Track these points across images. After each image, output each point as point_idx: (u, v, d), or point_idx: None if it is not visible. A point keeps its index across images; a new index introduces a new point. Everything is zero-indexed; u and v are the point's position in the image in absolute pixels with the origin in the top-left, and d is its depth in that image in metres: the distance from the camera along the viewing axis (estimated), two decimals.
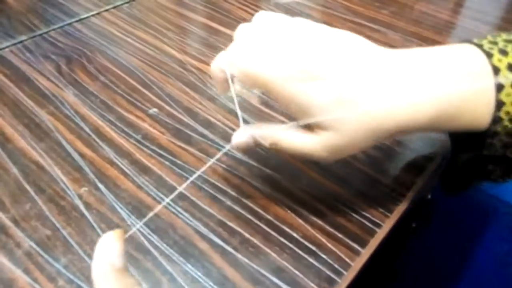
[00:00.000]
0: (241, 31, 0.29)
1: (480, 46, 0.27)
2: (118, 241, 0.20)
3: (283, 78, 0.26)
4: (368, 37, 0.51)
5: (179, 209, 0.31)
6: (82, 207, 0.31)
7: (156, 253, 0.28)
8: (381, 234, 0.29)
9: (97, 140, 0.36)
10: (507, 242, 0.55)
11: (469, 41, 0.28)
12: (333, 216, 0.31)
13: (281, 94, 0.26)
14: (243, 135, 0.28)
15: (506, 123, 0.26)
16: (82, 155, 0.35)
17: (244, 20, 0.53)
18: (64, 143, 0.36)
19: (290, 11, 0.56)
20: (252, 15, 0.55)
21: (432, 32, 0.52)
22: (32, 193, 0.32)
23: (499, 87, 0.25)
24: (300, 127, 0.27)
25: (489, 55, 0.26)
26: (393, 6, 0.58)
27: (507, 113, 0.26)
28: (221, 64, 0.29)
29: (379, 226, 0.30)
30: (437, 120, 0.26)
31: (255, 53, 0.27)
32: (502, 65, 0.25)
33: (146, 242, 0.29)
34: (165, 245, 0.29)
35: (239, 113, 0.28)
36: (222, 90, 0.30)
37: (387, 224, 0.30)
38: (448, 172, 0.34)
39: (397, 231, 0.31)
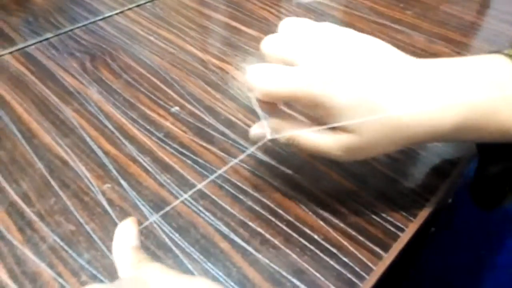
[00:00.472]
0: (269, 44, 0.29)
1: (510, 56, 0.26)
2: (134, 225, 0.24)
3: (308, 83, 0.26)
4: (392, 38, 0.51)
5: (200, 207, 0.31)
6: (105, 203, 0.31)
7: (177, 251, 0.28)
8: (404, 238, 0.29)
9: (120, 137, 0.36)
10: None
11: (499, 51, 0.27)
12: (355, 218, 0.30)
13: (307, 99, 0.26)
14: (260, 128, 0.28)
15: None
16: (105, 152, 0.35)
17: (266, 19, 0.53)
18: (88, 139, 0.36)
19: (312, 11, 0.55)
20: (274, 15, 0.55)
21: (457, 34, 0.51)
22: (57, 188, 0.32)
23: None
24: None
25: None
26: (417, 7, 0.57)
27: None
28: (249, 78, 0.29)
29: (402, 230, 0.30)
30: (463, 129, 0.26)
31: (285, 69, 0.27)
32: None
33: (167, 240, 0.29)
34: (186, 243, 0.29)
35: (259, 111, 0.28)
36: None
37: (411, 229, 0.30)
38: (477, 185, 0.33)
39: (416, 235, 0.31)
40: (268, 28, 0.51)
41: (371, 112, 0.25)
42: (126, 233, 0.24)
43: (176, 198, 0.32)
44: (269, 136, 0.27)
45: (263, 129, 0.28)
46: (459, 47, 0.49)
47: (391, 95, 0.25)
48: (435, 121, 0.25)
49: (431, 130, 0.25)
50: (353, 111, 0.25)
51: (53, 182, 0.33)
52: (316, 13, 0.55)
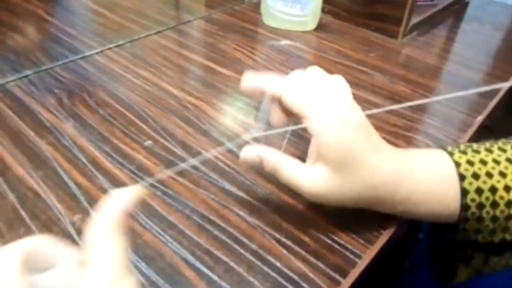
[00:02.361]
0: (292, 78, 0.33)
1: (450, 153, 0.32)
2: (137, 196, 0.23)
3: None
4: (356, 79, 0.54)
5: (167, 237, 0.32)
6: (74, 233, 0.32)
7: (143, 279, 0.29)
8: (362, 264, 0.31)
9: (93, 170, 0.37)
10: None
11: (443, 148, 0.33)
12: (316, 247, 0.32)
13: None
14: (251, 152, 0.32)
15: (474, 209, 0.30)
16: (77, 184, 0.36)
17: (239, 60, 0.56)
18: (61, 172, 0.37)
19: (283, 53, 0.59)
20: (247, 55, 0.58)
21: (417, 75, 0.55)
22: (27, 219, 0.33)
23: (462, 177, 0.30)
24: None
25: (451, 154, 0.32)
26: (381, 50, 0.61)
27: (473, 200, 0.30)
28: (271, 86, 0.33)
29: (359, 257, 0.31)
30: (409, 200, 0.31)
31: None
32: (462, 161, 0.31)
33: (133, 269, 0.30)
34: (152, 272, 0.30)
35: (261, 115, 0.33)
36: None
37: (368, 255, 0.31)
38: (434, 259, 0.38)
39: (390, 270, 0.32)
40: (241, 67, 0.54)
41: (355, 160, 0.29)
42: (127, 196, 0.23)
43: (145, 228, 0.33)
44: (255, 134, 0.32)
45: (253, 154, 0.32)
46: (418, 87, 0.53)
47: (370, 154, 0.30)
48: (389, 191, 0.30)
49: (384, 197, 0.31)
50: (339, 153, 0.29)
51: (23, 213, 0.34)
52: (287, 55, 0.58)
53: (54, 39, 0.58)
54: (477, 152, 0.32)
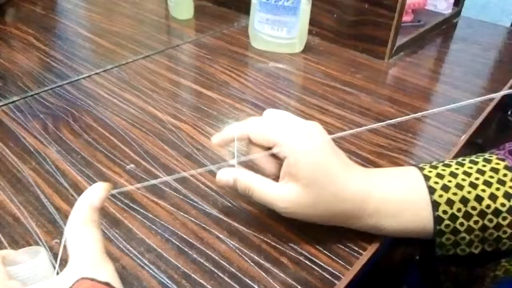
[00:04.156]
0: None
1: (421, 168, 0.33)
2: (105, 189, 0.27)
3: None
4: (342, 99, 0.54)
5: (145, 261, 0.32)
6: (52, 258, 0.32)
7: None
8: (340, 286, 0.30)
9: (74, 194, 0.37)
10: None
11: (416, 165, 0.34)
12: (295, 268, 0.31)
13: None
14: (227, 174, 0.34)
15: (448, 221, 0.30)
16: (57, 208, 0.36)
17: (226, 83, 0.56)
18: (42, 197, 0.37)
19: (270, 75, 0.59)
20: (233, 78, 0.59)
21: (403, 95, 0.56)
22: (6, 244, 0.33)
23: (431, 190, 0.31)
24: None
25: (421, 169, 0.32)
26: (366, 71, 0.61)
27: (445, 212, 0.30)
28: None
29: (338, 278, 0.31)
30: (380, 213, 0.31)
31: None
32: (432, 175, 0.32)
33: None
34: None
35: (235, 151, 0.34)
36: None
37: (347, 277, 0.31)
38: (425, 281, 0.38)
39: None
40: (228, 90, 0.55)
41: (325, 175, 0.30)
42: (94, 192, 0.27)
43: (123, 252, 0.32)
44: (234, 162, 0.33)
45: (228, 177, 0.34)
46: (404, 107, 0.53)
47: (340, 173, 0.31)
48: (360, 201, 0.31)
49: (360, 207, 0.31)
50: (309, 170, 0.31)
51: (2, 238, 0.33)
52: (274, 77, 0.59)
53: (43, 65, 0.59)
54: (448, 166, 0.32)
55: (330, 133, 0.32)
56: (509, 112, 0.71)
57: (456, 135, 0.48)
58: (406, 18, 0.76)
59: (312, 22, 0.66)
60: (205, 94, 0.54)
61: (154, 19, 0.78)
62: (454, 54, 0.71)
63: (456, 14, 0.84)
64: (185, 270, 0.31)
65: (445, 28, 0.81)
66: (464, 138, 0.47)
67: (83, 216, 0.26)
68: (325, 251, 0.33)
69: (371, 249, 0.33)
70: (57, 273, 0.25)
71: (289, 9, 0.61)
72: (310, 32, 0.68)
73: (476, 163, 0.32)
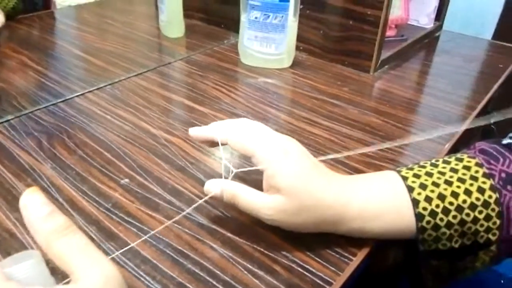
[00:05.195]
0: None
1: (399, 171, 0.35)
2: (36, 193, 0.24)
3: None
4: (330, 112, 0.56)
5: (141, 272, 0.32)
6: (48, 273, 0.32)
7: None
8: None
9: (69, 209, 0.38)
10: None
11: (396, 170, 0.35)
12: (288, 275, 0.32)
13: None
14: (214, 185, 0.35)
15: (428, 218, 0.32)
16: None
17: (217, 98, 0.58)
18: None
19: (260, 90, 0.61)
20: (225, 94, 0.60)
21: (388, 106, 0.57)
22: (2, 259, 0.33)
23: (410, 189, 0.32)
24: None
25: (399, 172, 0.34)
26: (354, 85, 0.63)
27: (425, 208, 0.32)
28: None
29: (330, 284, 0.32)
30: (362, 215, 0.33)
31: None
32: (409, 175, 0.34)
33: None
34: None
35: (223, 160, 0.36)
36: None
37: (338, 282, 0.32)
38: (409, 277, 0.40)
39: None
40: (219, 105, 0.56)
41: (304, 185, 0.32)
42: (33, 204, 0.23)
43: (119, 264, 0.33)
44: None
45: (215, 187, 0.35)
46: (389, 118, 0.55)
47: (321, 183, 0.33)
48: (342, 204, 0.33)
49: (339, 214, 0.33)
50: (288, 181, 0.32)
51: None
52: (264, 92, 0.60)
53: (37, 84, 0.60)
54: (423, 167, 0.34)
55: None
56: (492, 121, 0.73)
57: (441, 143, 0.50)
58: (390, 33, 0.78)
59: (300, 38, 0.68)
60: (197, 109, 0.55)
61: (146, 38, 0.80)
62: (437, 67, 0.74)
63: (438, 28, 0.87)
64: (180, 280, 0.32)
65: (428, 41, 0.84)
66: (448, 146, 0.49)
67: (53, 227, 0.23)
68: (316, 258, 0.34)
69: (361, 254, 0.34)
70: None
71: (277, 26, 0.63)
72: (297, 48, 0.70)
73: (449, 162, 0.34)
